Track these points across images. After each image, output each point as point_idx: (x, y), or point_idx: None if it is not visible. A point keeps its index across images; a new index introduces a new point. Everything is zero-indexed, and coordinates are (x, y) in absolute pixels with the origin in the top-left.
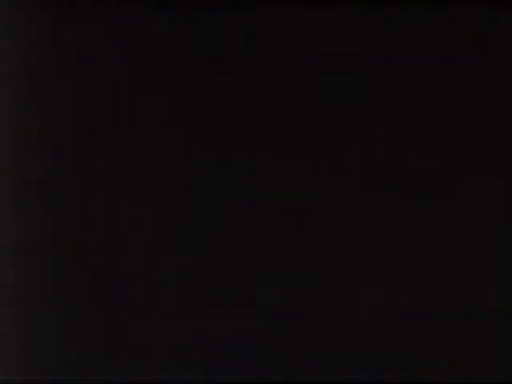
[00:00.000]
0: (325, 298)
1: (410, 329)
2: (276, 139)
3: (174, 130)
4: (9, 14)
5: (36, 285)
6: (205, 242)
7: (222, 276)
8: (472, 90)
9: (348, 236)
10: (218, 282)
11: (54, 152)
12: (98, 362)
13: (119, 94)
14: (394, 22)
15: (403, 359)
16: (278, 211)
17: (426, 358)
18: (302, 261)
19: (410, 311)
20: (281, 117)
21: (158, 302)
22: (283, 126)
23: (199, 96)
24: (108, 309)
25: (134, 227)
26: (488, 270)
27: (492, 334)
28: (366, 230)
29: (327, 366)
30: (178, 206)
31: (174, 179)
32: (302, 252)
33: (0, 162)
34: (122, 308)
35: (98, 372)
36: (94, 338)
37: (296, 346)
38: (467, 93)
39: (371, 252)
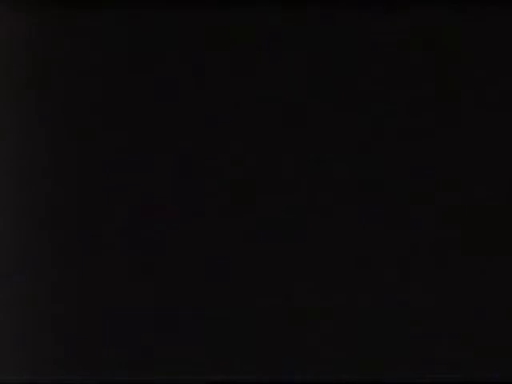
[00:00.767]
0: (325, 297)
1: (410, 328)
2: (275, 141)
3: (171, 130)
4: (9, 14)
5: (36, 284)
6: (205, 241)
7: (222, 276)
8: (472, 91)
9: (347, 234)
10: (218, 282)
11: (54, 152)
12: (98, 362)
13: (119, 94)
14: (397, 24)
15: (403, 359)
16: (278, 207)
17: (426, 358)
18: (301, 260)
19: (409, 311)
20: (280, 117)
21: (158, 302)
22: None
23: (199, 96)
24: (108, 308)
25: (134, 227)
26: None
27: (492, 334)
28: (365, 230)
29: (327, 366)
30: (178, 207)
31: (173, 179)
32: (301, 252)
33: (0, 161)
34: (122, 308)
35: (97, 372)
36: (94, 337)
37: (296, 346)
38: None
39: (371, 252)
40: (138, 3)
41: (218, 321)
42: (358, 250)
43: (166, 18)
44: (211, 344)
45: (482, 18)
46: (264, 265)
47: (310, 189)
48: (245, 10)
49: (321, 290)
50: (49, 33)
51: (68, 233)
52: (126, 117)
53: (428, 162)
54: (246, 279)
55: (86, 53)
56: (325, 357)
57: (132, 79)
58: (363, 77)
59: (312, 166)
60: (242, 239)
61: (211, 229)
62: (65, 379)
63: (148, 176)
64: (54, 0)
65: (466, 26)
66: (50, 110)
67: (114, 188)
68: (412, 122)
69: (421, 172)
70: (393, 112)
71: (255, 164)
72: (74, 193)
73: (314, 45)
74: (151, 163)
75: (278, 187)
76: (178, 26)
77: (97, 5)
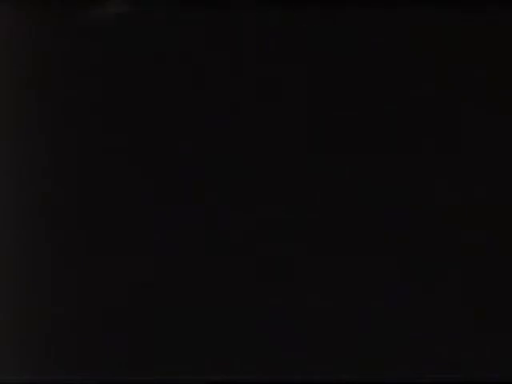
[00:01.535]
0: (325, 297)
1: (409, 329)
2: (275, 145)
3: (171, 129)
4: (9, 14)
5: (35, 284)
6: (204, 242)
7: (222, 276)
8: (472, 91)
9: (347, 235)
10: (218, 282)
11: (53, 151)
12: (98, 362)
13: (119, 94)
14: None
15: (403, 359)
16: (278, 204)
17: (426, 358)
18: (301, 260)
19: (409, 311)
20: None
21: (158, 302)
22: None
23: (198, 96)
24: (108, 309)
25: (134, 226)
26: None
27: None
28: (364, 230)
29: (327, 366)
30: (178, 206)
31: (172, 179)
32: (301, 252)
33: (0, 161)
34: (121, 308)
35: (97, 372)
36: (94, 337)
37: (296, 346)
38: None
39: (370, 251)
40: (138, 3)
41: (218, 321)
42: (358, 250)
43: (166, 18)
44: (211, 344)
45: (481, 18)
46: (264, 265)
47: (310, 189)
48: (245, 10)
49: (321, 290)
50: (49, 33)
51: (68, 233)
52: (126, 117)
53: (428, 162)
54: (246, 279)
55: (85, 53)
56: (325, 357)
57: (132, 79)
58: (363, 77)
59: (312, 166)
60: (242, 239)
61: (211, 229)
62: (65, 379)
63: (148, 176)
64: (54, 0)
65: (466, 26)
66: (49, 110)
67: (113, 188)
68: (412, 121)
69: (421, 172)
70: (393, 111)
71: (255, 164)
72: (74, 193)
73: (313, 45)
74: (151, 163)
75: (278, 187)
76: (177, 26)
77: (97, 5)
